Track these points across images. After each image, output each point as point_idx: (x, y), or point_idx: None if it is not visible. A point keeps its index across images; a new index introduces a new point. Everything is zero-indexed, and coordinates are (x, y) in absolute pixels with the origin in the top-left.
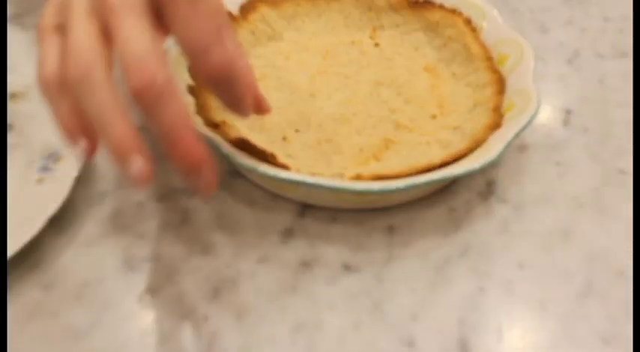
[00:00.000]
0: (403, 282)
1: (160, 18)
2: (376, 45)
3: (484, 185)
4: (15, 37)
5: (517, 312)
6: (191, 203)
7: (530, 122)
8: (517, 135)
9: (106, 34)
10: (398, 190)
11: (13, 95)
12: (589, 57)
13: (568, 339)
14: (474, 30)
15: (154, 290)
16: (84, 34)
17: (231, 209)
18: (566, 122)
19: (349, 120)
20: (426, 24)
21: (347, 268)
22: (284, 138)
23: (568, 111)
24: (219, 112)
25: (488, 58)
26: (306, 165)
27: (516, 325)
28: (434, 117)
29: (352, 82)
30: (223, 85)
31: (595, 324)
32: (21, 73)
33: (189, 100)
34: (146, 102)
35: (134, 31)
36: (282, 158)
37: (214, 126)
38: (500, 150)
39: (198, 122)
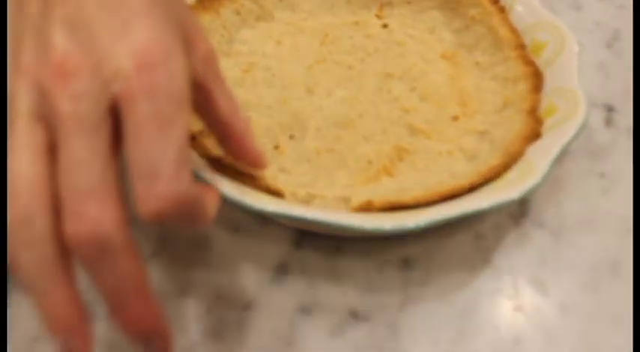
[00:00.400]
0: (423, 332)
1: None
2: (384, 26)
3: (516, 204)
4: None
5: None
6: (165, 230)
7: (579, 133)
8: (564, 149)
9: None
10: (417, 229)
11: None
12: (631, 39)
13: None
14: (502, 10)
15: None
16: (94, 162)
17: (213, 238)
18: (608, 122)
19: (354, 123)
20: (444, 1)
21: (354, 315)
22: (276, 147)
23: (610, 109)
24: (198, 121)
25: (521, 46)
26: (302, 184)
27: None
28: (455, 118)
29: (357, 73)
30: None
31: None
32: None
33: None
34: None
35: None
36: (273, 175)
37: (191, 138)
38: (545, 171)
39: None
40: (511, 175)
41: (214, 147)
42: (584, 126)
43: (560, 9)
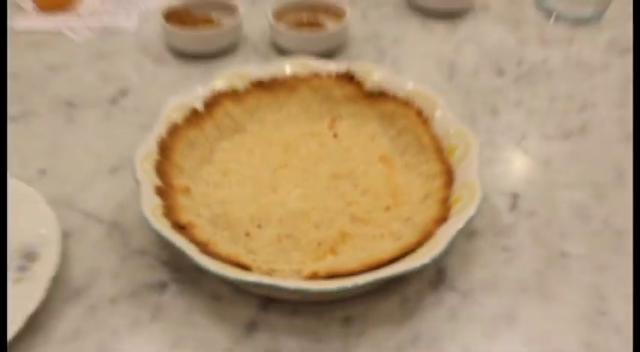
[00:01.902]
0: None
1: None
2: (335, 136)
3: (435, 273)
4: None
5: None
6: (161, 299)
7: (471, 219)
8: (460, 230)
9: None
10: (351, 288)
11: None
12: (536, 138)
13: None
14: (425, 122)
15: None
16: None
17: (199, 304)
18: (512, 207)
19: (308, 214)
20: (381, 114)
21: None
22: (247, 234)
23: (515, 196)
24: (186, 213)
25: (439, 149)
26: (266, 261)
27: None
28: (388, 208)
29: (311, 175)
30: None
31: None
32: None
33: (157, 202)
34: None
35: None
36: (244, 255)
37: (180, 227)
38: (444, 247)
39: (165, 224)
40: (423, 250)
41: (201, 234)
42: (474, 214)
43: (481, 113)
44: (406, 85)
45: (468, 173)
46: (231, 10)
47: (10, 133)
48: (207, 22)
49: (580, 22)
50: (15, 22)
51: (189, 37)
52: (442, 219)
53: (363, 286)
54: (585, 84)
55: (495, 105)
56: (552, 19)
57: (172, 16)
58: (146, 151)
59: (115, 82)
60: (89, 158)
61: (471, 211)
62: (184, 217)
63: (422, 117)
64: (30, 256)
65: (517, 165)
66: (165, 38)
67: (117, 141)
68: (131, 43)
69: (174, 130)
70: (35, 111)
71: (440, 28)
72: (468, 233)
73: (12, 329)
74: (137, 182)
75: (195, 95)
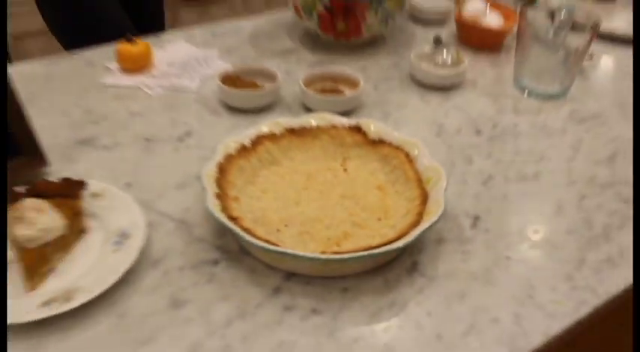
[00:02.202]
0: (349, 321)
1: None
2: (345, 170)
3: (410, 264)
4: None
5: (422, 343)
6: (214, 270)
7: (433, 225)
8: (424, 230)
9: None
10: (347, 259)
11: (94, 194)
12: (498, 180)
13: None
14: (411, 161)
15: (189, 319)
16: None
17: (240, 275)
18: (473, 225)
19: (321, 220)
20: (380, 156)
21: (314, 311)
22: (277, 230)
23: (476, 217)
24: (235, 210)
25: (419, 180)
26: (290, 248)
27: (423, 349)
28: (379, 219)
29: (325, 195)
30: None
31: None
32: (98, 180)
33: (216, 202)
34: None
35: None
36: (274, 242)
37: (233, 219)
38: (413, 238)
39: (223, 217)
40: (398, 243)
41: (246, 225)
42: (436, 222)
43: (459, 161)
44: (397, 135)
45: (437, 195)
46: (272, 77)
47: (105, 158)
48: (253, 85)
49: (548, 97)
50: (105, 79)
51: (239, 96)
52: (416, 224)
53: (357, 258)
54: (545, 143)
55: (471, 156)
56: (525, 94)
57: (226, 80)
58: (209, 170)
59: (181, 126)
60: (162, 177)
61: (434, 218)
62: (235, 214)
63: (408, 158)
64: (124, 236)
65: (480, 197)
66: (220, 96)
67: (183, 167)
68: (193, 98)
69: (229, 159)
70: (122, 143)
71: (435, 98)
72: (437, 240)
73: (110, 280)
74: (203, 189)
75: (245, 135)
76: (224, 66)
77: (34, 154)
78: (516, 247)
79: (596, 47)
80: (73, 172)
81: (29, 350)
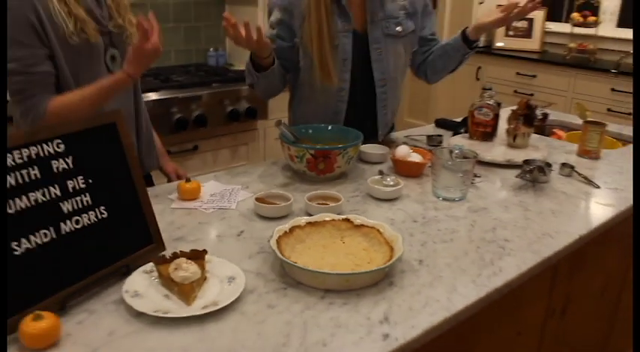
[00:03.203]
0: (355, 310)
1: None
2: (343, 242)
3: (388, 283)
4: None
5: (402, 303)
6: (284, 291)
7: (393, 263)
8: (388, 266)
9: None
10: (361, 273)
11: (207, 259)
12: (430, 243)
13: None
14: (381, 233)
15: (277, 312)
16: None
17: (297, 292)
18: (419, 264)
19: (333, 264)
20: (362, 233)
21: (345, 304)
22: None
23: (420, 261)
24: (288, 249)
25: (387, 242)
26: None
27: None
28: (369, 263)
29: (335, 255)
30: None
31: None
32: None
33: (280, 254)
34: None
35: None
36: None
37: (287, 256)
38: (391, 263)
39: (285, 257)
40: (382, 267)
41: (289, 259)
42: (396, 261)
43: (406, 236)
44: (370, 221)
45: (397, 247)
46: (287, 198)
47: (194, 246)
48: (274, 204)
49: (454, 200)
50: (172, 205)
51: (268, 209)
52: (390, 257)
53: (366, 273)
54: (454, 223)
55: (412, 232)
56: (440, 199)
57: (258, 200)
58: (272, 241)
59: (235, 228)
60: (236, 254)
61: (394, 258)
62: (287, 252)
63: (379, 232)
64: (232, 278)
65: (421, 251)
66: (255, 210)
67: (245, 248)
68: (235, 213)
69: (279, 238)
70: (203, 239)
71: (385, 205)
72: (401, 270)
73: (233, 297)
74: (272, 249)
75: (285, 226)
76: (247, 194)
77: (159, 242)
78: (443, 271)
79: (483, 170)
80: None
81: (195, 331)
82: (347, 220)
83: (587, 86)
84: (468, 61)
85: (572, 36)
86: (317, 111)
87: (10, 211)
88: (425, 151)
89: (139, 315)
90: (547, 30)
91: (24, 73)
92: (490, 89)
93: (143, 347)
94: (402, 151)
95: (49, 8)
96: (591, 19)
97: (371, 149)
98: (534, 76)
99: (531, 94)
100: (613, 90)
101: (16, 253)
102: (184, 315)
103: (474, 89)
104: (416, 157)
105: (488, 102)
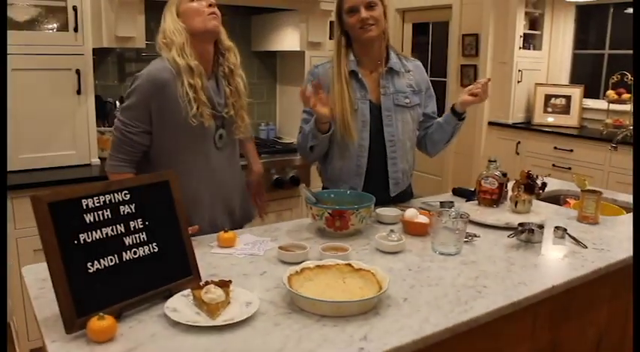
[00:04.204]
0: (342, 330)
1: None
2: (344, 282)
3: (373, 313)
4: None
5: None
6: (289, 315)
7: (378, 296)
8: (373, 297)
9: None
10: (358, 301)
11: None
12: (418, 286)
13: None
14: (374, 275)
15: (286, 326)
16: None
17: (301, 315)
18: (404, 301)
19: (332, 297)
20: (360, 275)
21: (335, 326)
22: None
23: (405, 299)
24: (297, 284)
25: (378, 282)
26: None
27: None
28: (361, 296)
29: (339, 291)
30: None
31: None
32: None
33: (288, 285)
34: None
35: None
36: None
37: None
38: (375, 295)
39: (293, 289)
40: (373, 297)
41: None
42: (382, 293)
43: (399, 281)
44: (367, 266)
45: (384, 284)
46: (304, 248)
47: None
48: (292, 252)
49: (449, 254)
50: (212, 250)
51: (288, 255)
52: (379, 289)
53: (344, 303)
54: (445, 273)
55: (404, 278)
56: (437, 253)
57: (282, 247)
58: (285, 279)
59: (260, 269)
60: (257, 285)
61: (382, 290)
62: (301, 288)
63: (373, 274)
64: (249, 302)
65: (408, 291)
66: (278, 257)
67: (266, 283)
68: (262, 258)
69: (290, 276)
70: (233, 276)
71: (389, 257)
72: (387, 305)
73: (256, 312)
74: (283, 283)
75: (296, 267)
76: (275, 244)
77: (196, 275)
78: (422, 307)
79: (483, 231)
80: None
81: (215, 337)
82: (349, 265)
83: (622, 161)
84: (509, 137)
85: (609, 112)
86: (343, 164)
87: (88, 240)
88: (430, 213)
89: (175, 324)
90: (584, 106)
91: (126, 133)
92: (495, 161)
93: (176, 347)
94: (410, 213)
95: (177, 92)
96: (625, 96)
97: (386, 212)
98: (571, 151)
99: (569, 168)
100: None
101: (90, 271)
102: (208, 325)
103: (515, 163)
104: (422, 218)
105: (494, 172)
